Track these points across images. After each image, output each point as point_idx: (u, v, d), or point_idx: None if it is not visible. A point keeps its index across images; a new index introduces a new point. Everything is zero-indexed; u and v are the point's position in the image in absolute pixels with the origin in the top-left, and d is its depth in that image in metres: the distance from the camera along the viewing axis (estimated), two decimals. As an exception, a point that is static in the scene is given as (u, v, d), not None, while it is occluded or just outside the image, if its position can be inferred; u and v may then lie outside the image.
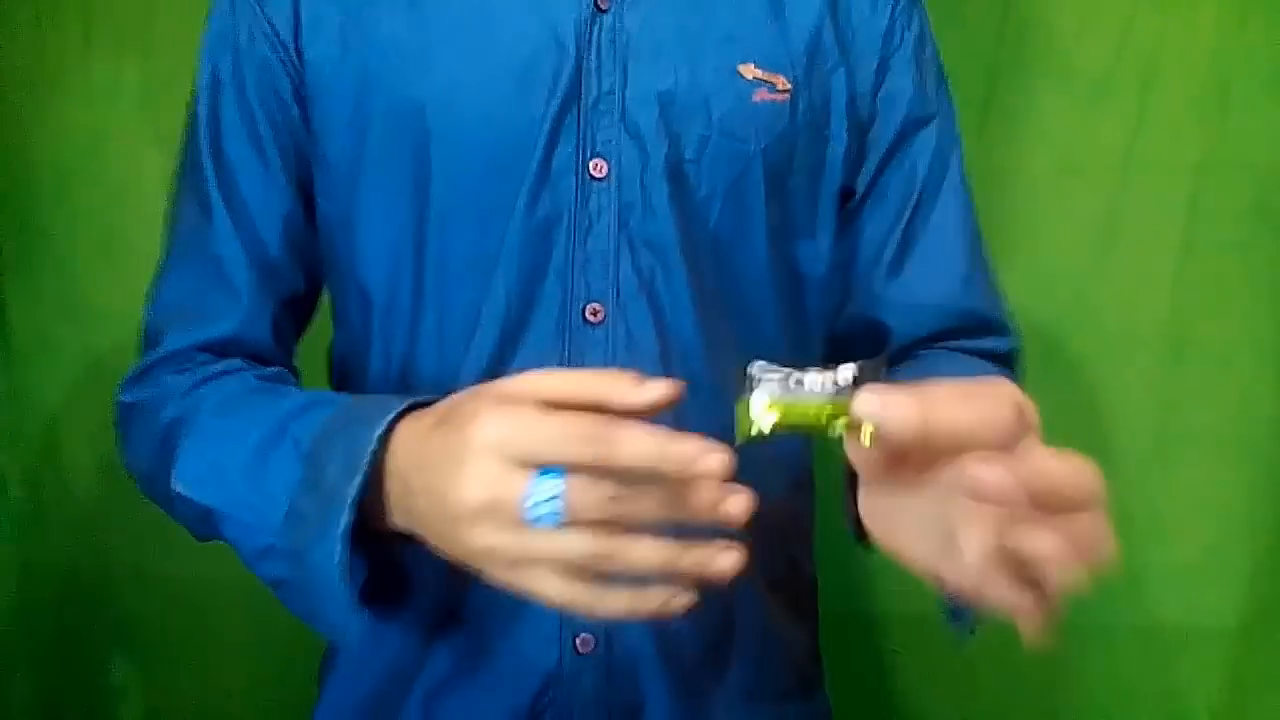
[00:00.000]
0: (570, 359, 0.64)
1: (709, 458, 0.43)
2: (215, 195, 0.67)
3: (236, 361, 0.66)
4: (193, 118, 0.69)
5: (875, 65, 0.69)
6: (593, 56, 0.63)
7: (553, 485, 0.44)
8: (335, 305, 0.72)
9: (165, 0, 1.16)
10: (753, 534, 0.69)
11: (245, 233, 0.67)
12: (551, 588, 0.46)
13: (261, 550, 0.58)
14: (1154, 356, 1.13)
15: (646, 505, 0.44)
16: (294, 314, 0.71)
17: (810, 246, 0.70)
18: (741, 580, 0.68)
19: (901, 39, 0.70)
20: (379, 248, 0.66)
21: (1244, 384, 1.12)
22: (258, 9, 0.65)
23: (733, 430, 0.65)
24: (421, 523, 0.50)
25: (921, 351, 0.72)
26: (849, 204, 0.72)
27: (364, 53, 0.64)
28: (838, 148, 0.69)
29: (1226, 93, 1.08)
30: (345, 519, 0.51)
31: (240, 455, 0.58)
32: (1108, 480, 1.33)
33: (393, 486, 0.52)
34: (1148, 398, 1.13)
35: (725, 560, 0.45)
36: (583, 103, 0.63)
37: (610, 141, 0.64)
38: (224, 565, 1.19)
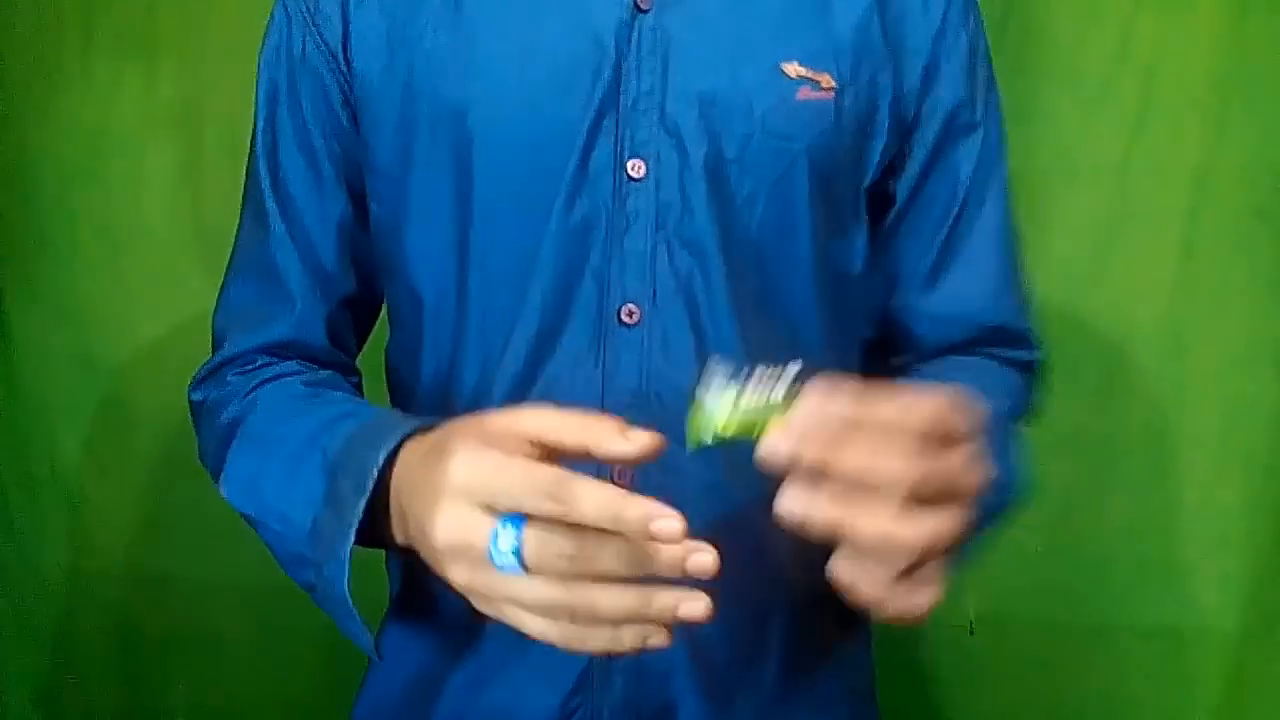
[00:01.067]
0: (605, 360, 0.64)
1: (663, 522, 0.42)
2: (271, 204, 0.70)
3: (292, 364, 0.69)
4: (253, 130, 0.71)
5: (923, 66, 0.69)
6: (632, 57, 0.63)
7: (512, 536, 0.44)
8: (389, 307, 0.73)
9: (166, 0, 1.17)
10: (794, 541, 0.69)
11: (299, 240, 0.70)
12: (530, 625, 0.47)
13: (294, 557, 0.59)
14: (1154, 356, 1.13)
15: (608, 561, 0.44)
16: (354, 316, 0.73)
17: (847, 244, 0.70)
18: (778, 588, 0.68)
19: (954, 41, 0.70)
20: (426, 249, 0.67)
21: (1244, 384, 1.12)
22: (310, 23, 0.67)
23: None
24: (414, 545, 0.52)
25: (948, 356, 0.73)
26: (890, 210, 0.72)
27: (409, 59, 0.65)
28: (879, 145, 0.68)
29: (1226, 93, 1.08)
30: (349, 542, 0.53)
31: (275, 467, 0.60)
32: (1108, 480, 1.33)
33: (395, 507, 0.54)
34: (1148, 398, 1.13)
35: (693, 608, 0.45)
36: (621, 103, 0.63)
37: (648, 142, 0.64)
38: (224, 567, 1.20)
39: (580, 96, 0.63)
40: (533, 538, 0.44)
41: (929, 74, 0.69)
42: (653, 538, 0.43)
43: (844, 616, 0.73)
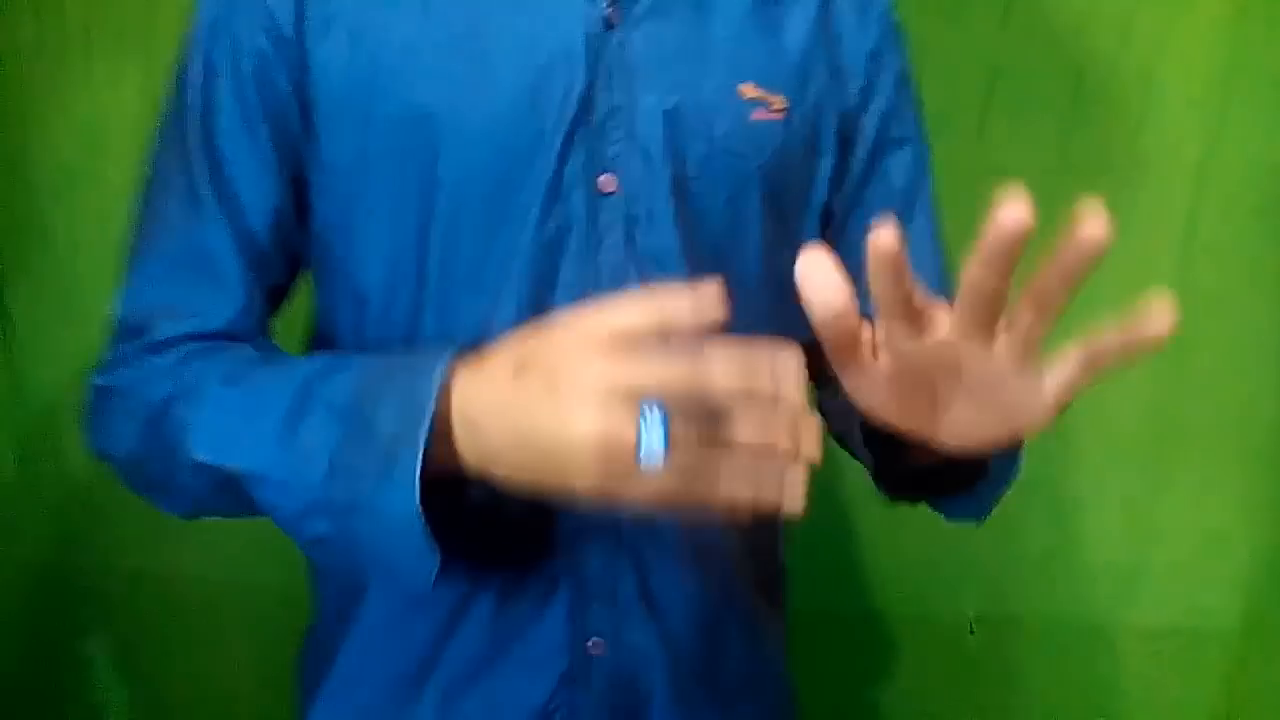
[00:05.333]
0: None
1: (784, 355, 0.49)
2: (206, 188, 0.66)
3: (222, 342, 0.65)
4: (178, 109, 0.68)
5: (861, 85, 0.71)
6: (603, 73, 0.64)
7: (659, 422, 0.47)
8: (322, 303, 0.71)
9: (166, 0, 1.17)
10: (742, 532, 0.70)
11: (236, 226, 0.66)
12: (643, 508, 0.49)
13: (302, 509, 0.57)
14: (1154, 357, 1.12)
15: (738, 432, 0.47)
16: (275, 301, 0.71)
17: (795, 256, 0.71)
18: (730, 575, 0.70)
19: (887, 61, 0.72)
20: (378, 252, 0.66)
21: (1244, 384, 1.12)
22: (259, 3, 0.64)
23: None
24: (502, 463, 0.51)
25: None
26: (832, 223, 0.73)
27: (374, 55, 0.63)
28: (827, 162, 0.71)
29: (1227, 92, 1.08)
30: (417, 462, 0.52)
31: (268, 419, 0.57)
32: (1108, 480, 1.33)
33: (459, 431, 0.52)
34: (1148, 398, 1.13)
35: (795, 477, 0.48)
36: (593, 118, 0.64)
37: (619, 157, 0.64)
38: (224, 566, 1.20)
39: (552, 110, 0.63)
40: (678, 419, 0.47)
41: (866, 92, 0.71)
42: (781, 374, 0.48)
43: (773, 604, 0.77)
